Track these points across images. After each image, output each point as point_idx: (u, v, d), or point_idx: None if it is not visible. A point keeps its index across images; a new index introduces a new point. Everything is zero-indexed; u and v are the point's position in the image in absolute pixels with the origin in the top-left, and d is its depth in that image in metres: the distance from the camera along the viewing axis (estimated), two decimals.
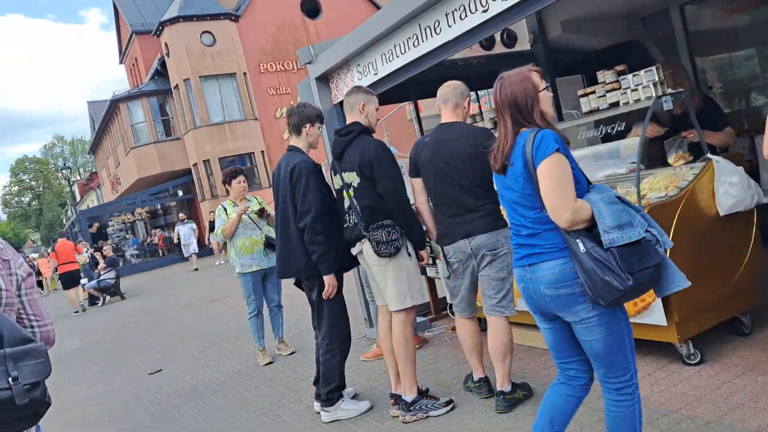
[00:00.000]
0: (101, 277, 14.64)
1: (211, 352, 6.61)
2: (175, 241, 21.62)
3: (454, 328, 5.07)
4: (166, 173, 26.33)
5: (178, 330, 8.51)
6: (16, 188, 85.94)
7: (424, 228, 3.58)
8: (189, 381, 5.54)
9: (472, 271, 3.37)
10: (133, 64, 31.32)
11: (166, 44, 24.11)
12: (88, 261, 15.77)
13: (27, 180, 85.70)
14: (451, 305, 5.26)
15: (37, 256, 30.99)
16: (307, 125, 3.84)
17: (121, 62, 34.78)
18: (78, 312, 13.87)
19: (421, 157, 3.46)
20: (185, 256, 19.81)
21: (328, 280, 3.59)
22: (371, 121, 3.61)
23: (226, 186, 5.66)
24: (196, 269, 17.81)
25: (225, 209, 5.57)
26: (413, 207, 3.57)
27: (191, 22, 23.52)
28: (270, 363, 5.43)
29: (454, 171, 3.30)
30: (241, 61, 24.65)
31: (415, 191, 3.56)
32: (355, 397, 3.98)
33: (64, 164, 31.20)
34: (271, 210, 5.52)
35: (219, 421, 4.29)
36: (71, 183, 33.18)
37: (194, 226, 20.14)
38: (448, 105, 3.44)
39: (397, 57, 4.44)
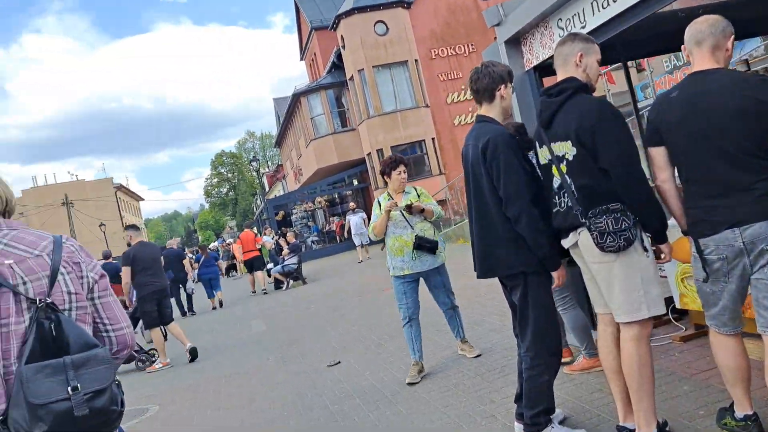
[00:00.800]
0: (285, 263, 15.27)
1: (390, 345, 6.24)
2: (347, 230, 21.79)
3: (682, 339, 4.13)
4: (342, 163, 27.16)
5: (354, 318, 8.34)
6: (215, 180, 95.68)
7: (667, 214, 2.74)
8: (368, 378, 5.19)
9: (743, 272, 2.47)
10: (312, 60, 32.78)
11: (341, 37, 24.74)
12: (274, 247, 16.57)
13: (224, 173, 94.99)
14: (674, 307, 4.33)
15: (232, 242, 33.84)
16: (501, 86, 3.16)
17: (301, 59, 36.67)
18: (255, 293, 15.49)
19: (666, 117, 2.61)
20: (356, 245, 19.43)
21: (559, 273, 2.96)
22: (591, 76, 2.84)
23: (385, 177, 5.07)
24: (360, 261, 17.17)
25: (380, 204, 5.05)
26: (652, 186, 2.75)
27: (365, 12, 23.85)
28: (413, 383, 4.66)
29: (717, 135, 2.43)
30: (413, 48, 24.53)
31: (655, 164, 2.71)
32: (564, 421, 3.26)
33: (254, 157, 33.63)
34: (432, 203, 5.00)
35: None
36: (260, 174, 35.76)
37: (364, 215, 20.14)
38: (703, 47, 2.54)
39: (613, 1, 3.59)
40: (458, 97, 25.27)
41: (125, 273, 8.01)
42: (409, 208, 4.80)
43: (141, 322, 8.58)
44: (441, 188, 22.97)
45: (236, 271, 26.88)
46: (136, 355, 8.17)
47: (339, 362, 6.00)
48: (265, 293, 15.06)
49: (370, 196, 26.96)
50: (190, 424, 5.10)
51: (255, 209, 52.77)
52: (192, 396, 6.02)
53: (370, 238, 7.29)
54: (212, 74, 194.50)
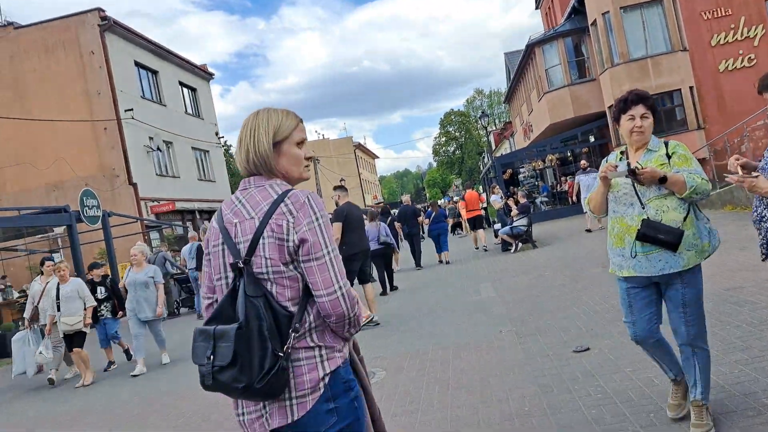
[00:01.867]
0: (514, 224, 14.35)
1: None
2: (575, 191, 19.49)
3: None
4: (578, 118, 25.00)
5: (601, 295, 7.17)
6: (443, 139, 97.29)
7: None
8: (630, 378, 4.13)
9: None
10: (549, 7, 30.56)
11: None
12: (502, 207, 15.72)
13: (452, 131, 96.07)
14: None
15: (458, 200, 33.75)
16: None
17: (537, 8, 34.48)
18: (477, 248, 16.26)
19: None
20: (584, 210, 17.49)
21: None
22: None
23: (616, 125, 3.45)
24: (588, 230, 14.88)
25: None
26: None
27: None
28: (677, 418, 3.29)
29: None
30: None
31: None
32: None
33: (483, 113, 32.77)
34: (689, 170, 3.06)
35: None
36: (488, 132, 34.82)
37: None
38: None
39: None
40: (725, 38, 21.39)
41: (336, 228, 7.87)
42: (633, 173, 3.07)
43: None
44: (700, 147, 19.81)
45: (461, 230, 26.68)
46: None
47: (588, 348, 5.00)
48: (485, 250, 15.71)
49: (609, 153, 24.51)
50: (417, 400, 4.59)
51: (482, 167, 52.31)
52: (419, 365, 5.55)
53: None
54: (444, 34, 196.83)
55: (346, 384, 1.84)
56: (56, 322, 8.01)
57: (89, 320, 8.12)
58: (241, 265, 1.81)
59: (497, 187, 17.90)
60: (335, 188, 8.61)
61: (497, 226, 16.38)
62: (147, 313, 8.14)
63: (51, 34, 22.78)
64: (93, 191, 16.98)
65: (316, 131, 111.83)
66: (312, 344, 1.81)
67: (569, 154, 29.78)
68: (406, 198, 16.35)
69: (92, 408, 6.59)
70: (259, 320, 1.75)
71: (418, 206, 28.91)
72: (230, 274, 1.86)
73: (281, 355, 1.73)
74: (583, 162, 16.71)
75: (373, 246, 10.86)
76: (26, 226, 16.28)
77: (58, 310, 7.92)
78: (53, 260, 8.67)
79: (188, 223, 26.57)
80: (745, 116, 20.97)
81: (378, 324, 8.03)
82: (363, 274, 8.44)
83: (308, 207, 1.82)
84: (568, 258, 11.20)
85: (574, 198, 16.66)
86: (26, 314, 8.70)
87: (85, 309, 8.06)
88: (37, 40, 22.76)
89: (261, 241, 1.81)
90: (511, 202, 16.01)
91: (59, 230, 17.31)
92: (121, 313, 8.78)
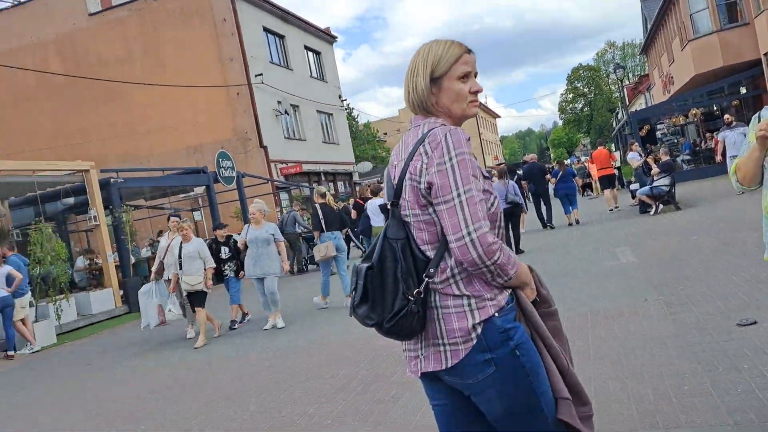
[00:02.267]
0: (654, 184, 13.26)
1: None
2: (720, 150, 17.40)
3: None
4: (727, 67, 22.52)
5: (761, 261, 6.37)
6: (571, 96, 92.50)
7: None
8: None
9: None
10: None
11: None
12: (641, 166, 14.60)
13: (580, 87, 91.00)
14: None
15: (584, 160, 32.06)
16: None
17: None
18: (612, 210, 15.65)
19: None
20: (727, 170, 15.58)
21: None
22: None
23: None
24: (741, 193, 13.25)
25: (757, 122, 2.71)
26: None
27: None
28: None
29: None
30: None
31: None
32: None
33: (618, 65, 30.57)
34: None
35: None
36: (622, 85, 32.49)
37: (747, 130, 15.82)
38: None
39: None
40: None
41: None
42: None
43: None
44: None
45: (591, 191, 25.30)
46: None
47: (755, 322, 4.42)
48: (617, 209, 15.60)
49: (762, 106, 21.94)
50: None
51: (614, 124, 49.17)
52: None
53: None
54: None
55: (503, 334, 1.73)
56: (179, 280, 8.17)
57: (210, 281, 8.14)
58: (389, 207, 1.85)
59: (635, 144, 16.56)
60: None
61: (634, 186, 15.26)
62: (266, 269, 8.13)
63: (187, 4, 23.97)
64: (228, 153, 17.90)
65: None
66: (458, 292, 1.75)
67: (715, 108, 27.06)
68: (531, 156, 15.78)
69: (222, 357, 6.93)
70: (394, 262, 1.76)
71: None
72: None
73: (411, 298, 1.72)
74: (727, 116, 14.80)
75: (501, 205, 10.56)
76: (170, 186, 17.50)
77: (180, 268, 8.06)
78: (179, 217, 8.80)
79: (314, 184, 27.42)
80: None
81: None
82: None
83: (443, 146, 1.72)
84: (718, 221, 10.16)
85: (719, 157, 14.90)
86: (153, 268, 9.02)
87: (205, 269, 8.08)
88: (175, 9, 24.05)
89: (403, 183, 1.80)
90: (650, 160, 14.80)
91: (199, 190, 18.47)
92: (242, 273, 8.77)
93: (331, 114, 30.81)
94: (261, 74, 24.12)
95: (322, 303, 8.99)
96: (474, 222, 1.67)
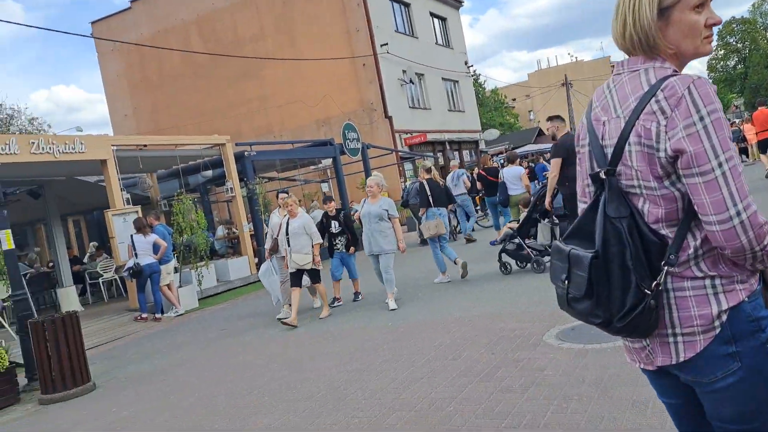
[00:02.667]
0: None
1: None
2: None
3: None
4: None
5: None
6: (722, 52, 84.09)
7: None
8: None
9: None
10: None
11: None
12: None
13: (733, 43, 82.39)
14: None
15: (738, 122, 28.94)
16: None
17: None
18: None
19: None
20: None
21: None
22: None
23: None
24: None
25: None
26: None
27: None
28: None
29: None
30: None
31: None
32: None
33: None
34: None
35: None
36: None
37: None
38: None
39: None
40: None
41: (555, 165, 6.94)
42: None
43: None
44: None
45: (747, 156, 22.77)
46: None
47: None
48: None
49: None
50: None
51: None
52: None
53: None
54: None
55: (754, 323, 1.42)
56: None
57: (318, 258, 7.92)
58: (603, 176, 1.51)
59: None
60: (549, 119, 7.40)
61: None
62: (381, 247, 7.82)
63: None
64: (353, 125, 18.10)
65: (568, 54, 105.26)
66: (700, 274, 1.44)
67: None
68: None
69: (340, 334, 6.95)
70: (621, 246, 1.45)
71: None
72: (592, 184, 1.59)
73: (648, 292, 1.42)
74: None
75: None
76: (299, 158, 18.06)
77: (288, 245, 7.92)
78: (287, 193, 8.67)
79: (438, 154, 27.14)
80: None
81: None
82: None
83: (688, 102, 1.37)
84: None
85: None
86: (266, 245, 8.87)
87: (312, 246, 7.87)
88: None
89: (627, 147, 1.46)
90: None
91: (327, 162, 18.91)
92: (353, 249, 8.60)
93: (457, 81, 30.20)
94: (386, 44, 24.06)
95: (444, 278, 8.80)
96: (742, 199, 1.36)
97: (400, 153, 23.47)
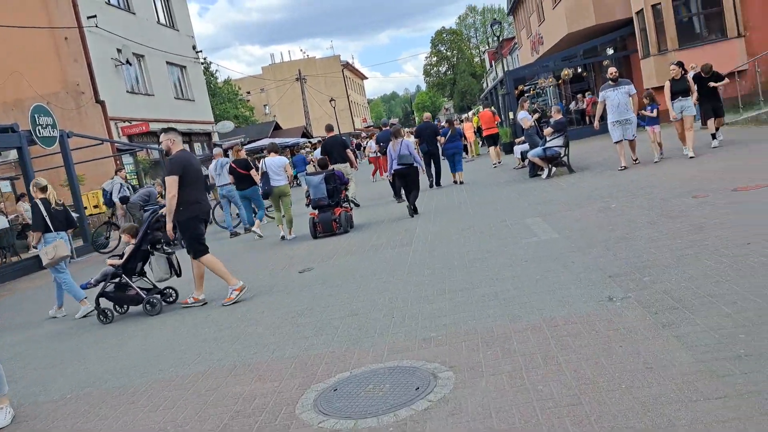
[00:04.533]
0: (547, 145, 12.15)
1: None
2: (600, 110, 16.47)
3: None
4: (600, 26, 22.29)
5: (738, 237, 5.13)
6: (435, 59, 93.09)
7: None
8: None
9: None
10: None
11: None
12: (532, 125, 13.47)
13: (444, 51, 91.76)
14: None
15: (464, 119, 31.29)
16: None
17: None
18: (495, 165, 17.61)
19: None
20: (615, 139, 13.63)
21: None
22: None
23: None
24: (636, 161, 11.32)
25: None
26: None
27: None
28: None
29: None
30: None
31: None
32: None
33: (495, 20, 29.94)
34: None
35: None
36: (500, 41, 32.04)
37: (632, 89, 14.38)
38: None
39: None
40: None
41: (172, 184, 6.10)
42: None
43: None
44: (744, 61, 17.49)
45: (467, 153, 24.41)
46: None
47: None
48: (500, 164, 17.76)
49: (631, 66, 22.03)
50: (512, 422, 2.57)
51: (485, 86, 49.27)
52: (504, 354, 3.51)
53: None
54: None
55: None
56: None
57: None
58: None
59: (527, 102, 15.42)
60: (164, 131, 6.45)
61: (523, 146, 14.17)
62: None
63: None
64: (47, 107, 14.44)
65: (300, 50, 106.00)
66: None
67: (580, 69, 27.22)
68: (427, 115, 15.61)
69: None
70: None
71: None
72: None
73: None
74: (612, 70, 11.43)
75: (395, 166, 10.47)
76: None
77: None
78: None
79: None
80: None
81: (204, 303, 6.48)
82: (199, 244, 6.41)
83: None
84: (627, 185, 9.11)
85: (597, 123, 11.82)
86: None
87: None
88: None
89: None
90: (525, 122, 13.72)
91: (11, 154, 14.88)
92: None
93: (185, 67, 27.27)
94: (95, 16, 20.36)
95: (60, 313, 7.61)
96: None
97: (117, 144, 20.02)
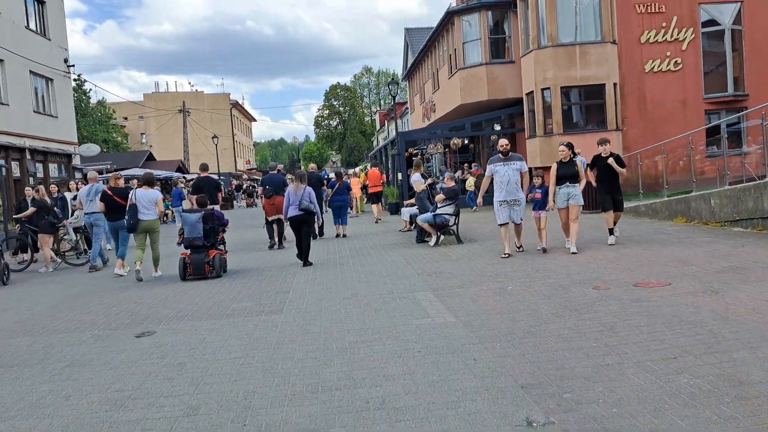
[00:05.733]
0: (437, 212, 11.54)
1: None
2: (487, 182, 16.18)
3: None
4: (492, 101, 22.83)
5: (663, 344, 4.46)
6: (326, 112, 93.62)
7: None
8: None
9: None
10: None
11: None
12: (425, 190, 12.87)
13: (336, 105, 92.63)
14: None
15: (352, 174, 30.72)
16: None
17: None
18: (377, 222, 18.60)
19: None
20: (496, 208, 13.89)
21: None
22: None
23: None
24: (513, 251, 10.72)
25: None
26: None
27: None
28: None
29: None
30: None
31: None
32: None
33: (392, 79, 30.12)
34: None
35: None
36: (394, 102, 32.22)
37: (524, 167, 14.19)
38: None
39: None
40: (655, 36, 20.11)
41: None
42: None
43: None
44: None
45: (351, 209, 23.70)
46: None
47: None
48: (381, 221, 18.83)
49: (518, 145, 22.63)
50: None
51: (375, 143, 49.58)
52: None
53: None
54: (334, 6, 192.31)
55: None
56: None
57: None
58: None
59: (423, 166, 14.95)
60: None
61: (412, 210, 13.52)
62: None
63: None
64: None
65: (189, 83, 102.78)
66: None
67: (466, 141, 27.80)
68: (312, 166, 16.32)
69: None
70: None
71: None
72: None
73: None
74: (503, 142, 10.05)
75: (293, 212, 10.05)
76: None
77: None
78: None
79: (14, 163, 21.16)
80: (663, 124, 19.85)
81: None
82: None
83: None
84: (521, 266, 8.55)
85: (480, 199, 11.07)
86: None
87: None
88: None
89: None
90: (418, 185, 13.20)
91: None
92: None
93: (52, 80, 24.51)
94: None
95: None
96: None
97: None
